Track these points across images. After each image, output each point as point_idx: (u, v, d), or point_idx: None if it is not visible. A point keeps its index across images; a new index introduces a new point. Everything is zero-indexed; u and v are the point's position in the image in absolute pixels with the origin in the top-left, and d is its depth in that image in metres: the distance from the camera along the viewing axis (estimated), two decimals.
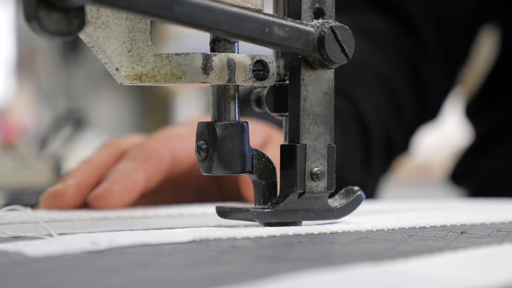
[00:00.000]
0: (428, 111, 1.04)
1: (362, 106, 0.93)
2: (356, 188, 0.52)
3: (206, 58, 0.48)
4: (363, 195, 0.52)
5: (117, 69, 0.48)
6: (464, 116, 1.13)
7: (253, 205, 0.50)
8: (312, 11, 0.49)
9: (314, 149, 0.49)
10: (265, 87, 0.50)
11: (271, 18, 0.47)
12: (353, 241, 0.44)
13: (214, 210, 0.60)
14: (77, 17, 0.43)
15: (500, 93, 1.06)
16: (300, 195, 0.49)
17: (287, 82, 0.51)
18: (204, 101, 3.52)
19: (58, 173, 0.94)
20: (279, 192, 0.50)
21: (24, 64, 3.52)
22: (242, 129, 0.49)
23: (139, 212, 0.59)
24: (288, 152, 0.49)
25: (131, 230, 0.48)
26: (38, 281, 0.33)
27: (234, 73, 0.48)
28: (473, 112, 1.11)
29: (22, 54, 3.51)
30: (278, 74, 0.52)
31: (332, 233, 0.47)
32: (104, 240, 0.41)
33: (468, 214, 0.58)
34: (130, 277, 0.34)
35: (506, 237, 0.46)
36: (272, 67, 0.50)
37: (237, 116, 0.49)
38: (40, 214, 0.56)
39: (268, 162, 0.50)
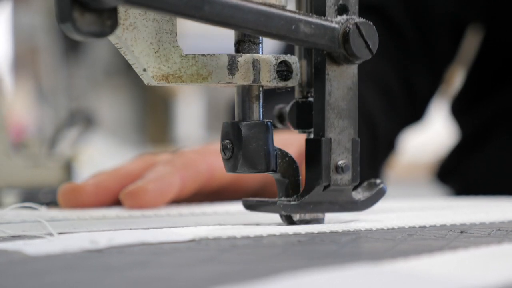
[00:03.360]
0: (416, 111, 1.04)
1: (368, 102, 0.93)
2: (378, 181, 0.52)
3: (232, 59, 0.48)
4: (386, 188, 0.52)
5: (144, 70, 0.48)
6: (449, 115, 1.13)
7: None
8: (336, 7, 0.49)
9: (339, 143, 0.50)
10: (289, 87, 0.50)
11: (297, 16, 0.47)
12: (353, 241, 0.44)
13: (214, 209, 0.60)
14: (110, 18, 0.43)
15: (485, 92, 1.06)
16: (325, 187, 0.50)
17: (310, 99, 0.52)
18: (204, 100, 3.52)
19: (69, 172, 0.93)
20: (305, 185, 0.50)
21: (22, 63, 3.51)
22: (266, 129, 0.49)
23: (139, 211, 0.59)
24: (314, 146, 0.50)
25: (130, 229, 0.48)
26: (38, 280, 0.33)
27: (259, 74, 0.49)
28: (458, 111, 1.11)
29: (19, 53, 3.50)
30: (301, 90, 0.53)
31: (331, 233, 0.47)
32: (104, 239, 0.41)
33: (468, 213, 0.58)
34: (130, 276, 0.34)
35: (506, 237, 0.46)
36: (296, 67, 0.50)
37: (261, 116, 0.49)
38: (40, 214, 0.56)
39: (292, 161, 0.50)
